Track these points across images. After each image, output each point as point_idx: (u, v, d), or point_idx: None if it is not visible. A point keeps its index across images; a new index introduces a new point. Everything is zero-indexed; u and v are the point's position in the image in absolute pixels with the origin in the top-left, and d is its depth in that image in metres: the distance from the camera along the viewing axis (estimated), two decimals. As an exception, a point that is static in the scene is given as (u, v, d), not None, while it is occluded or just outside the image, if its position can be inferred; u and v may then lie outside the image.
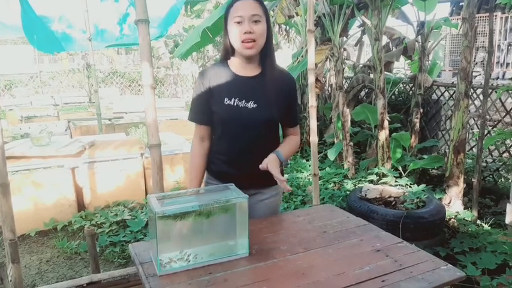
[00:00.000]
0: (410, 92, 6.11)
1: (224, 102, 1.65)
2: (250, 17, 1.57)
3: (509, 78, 9.41)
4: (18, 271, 2.17)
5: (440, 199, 3.72)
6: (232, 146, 1.71)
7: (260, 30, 1.59)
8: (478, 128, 4.12)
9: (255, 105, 1.65)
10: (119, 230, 3.53)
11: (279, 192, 1.88)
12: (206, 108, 1.70)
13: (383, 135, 4.33)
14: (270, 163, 1.58)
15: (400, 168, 4.36)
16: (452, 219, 3.51)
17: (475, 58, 9.40)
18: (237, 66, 1.69)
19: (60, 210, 3.73)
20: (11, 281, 2.17)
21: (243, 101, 1.65)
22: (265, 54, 1.67)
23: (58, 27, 5.52)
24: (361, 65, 6.50)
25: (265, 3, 1.63)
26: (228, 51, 1.70)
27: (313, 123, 2.83)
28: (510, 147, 4.60)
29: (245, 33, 1.57)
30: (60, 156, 3.86)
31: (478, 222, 3.57)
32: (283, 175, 1.68)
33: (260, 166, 1.58)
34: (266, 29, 1.62)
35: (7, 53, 14.57)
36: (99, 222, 3.61)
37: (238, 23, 1.58)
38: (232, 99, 1.65)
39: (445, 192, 3.82)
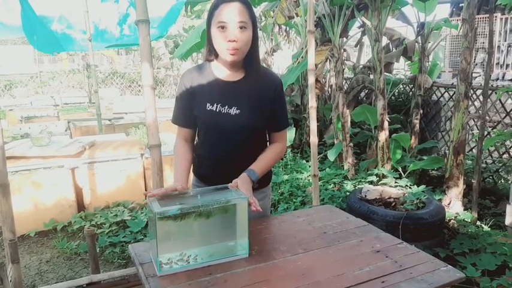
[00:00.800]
0: (410, 93, 6.11)
1: (206, 108, 1.59)
2: (235, 24, 1.46)
3: (509, 80, 9.42)
4: (18, 271, 2.17)
5: (440, 200, 3.72)
6: (215, 151, 1.66)
7: (245, 38, 1.49)
8: (478, 129, 4.12)
9: (238, 111, 1.58)
10: (119, 231, 3.53)
11: (267, 195, 1.82)
12: (188, 111, 1.64)
13: (383, 136, 4.33)
14: (240, 184, 1.49)
15: (400, 169, 4.36)
16: (452, 220, 3.51)
17: (474, 59, 9.42)
18: (220, 70, 1.61)
19: (60, 210, 3.73)
20: (10, 281, 2.17)
21: (226, 107, 1.58)
22: (250, 59, 1.58)
23: (58, 27, 5.51)
24: (361, 66, 6.51)
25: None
26: (211, 52, 1.61)
27: (313, 124, 2.83)
28: (510, 148, 4.60)
29: (229, 41, 1.47)
30: (60, 156, 3.86)
31: (478, 223, 3.57)
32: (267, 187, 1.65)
33: (229, 185, 1.48)
34: (252, 35, 1.52)
35: (7, 53, 14.58)
36: (99, 223, 3.61)
37: (222, 28, 1.47)
38: (215, 105, 1.58)
39: (445, 193, 3.82)
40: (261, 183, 1.64)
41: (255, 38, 1.55)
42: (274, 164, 1.72)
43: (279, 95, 1.68)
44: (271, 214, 1.99)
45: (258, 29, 7.11)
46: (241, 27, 1.47)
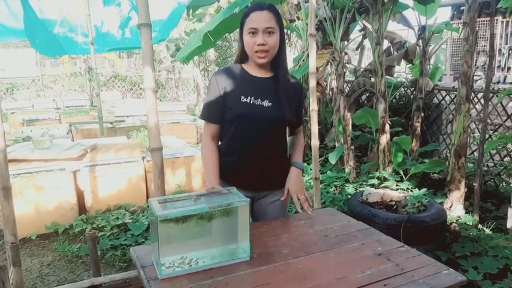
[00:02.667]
0: (412, 96, 6.11)
1: (241, 100, 1.72)
2: (264, 29, 1.65)
3: (510, 82, 9.43)
4: (19, 274, 2.17)
5: (441, 203, 3.72)
6: (244, 144, 1.76)
7: (273, 42, 1.67)
8: (479, 132, 4.12)
9: (270, 103, 1.73)
10: (120, 234, 3.53)
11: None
12: (220, 107, 1.75)
13: (384, 139, 4.33)
14: (294, 185, 1.83)
15: (401, 172, 4.36)
16: (453, 224, 3.51)
17: (475, 62, 9.42)
18: (251, 68, 1.78)
19: (62, 213, 3.73)
20: (12, 284, 2.17)
21: (259, 99, 1.72)
22: (278, 60, 1.75)
23: (60, 30, 5.54)
24: (362, 69, 6.52)
25: None
26: (243, 56, 1.79)
27: (314, 127, 2.84)
28: (511, 151, 4.59)
29: (258, 45, 1.65)
30: (62, 159, 3.86)
31: (480, 226, 3.56)
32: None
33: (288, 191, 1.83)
34: (279, 39, 1.70)
35: (9, 56, 14.62)
36: (100, 226, 3.61)
37: (253, 33, 1.66)
38: (249, 97, 1.72)
39: (446, 197, 3.82)
40: (283, 181, 1.84)
41: (282, 42, 1.74)
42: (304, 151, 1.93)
43: (301, 95, 1.90)
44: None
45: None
46: (269, 33, 1.66)
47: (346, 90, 5.93)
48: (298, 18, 5.70)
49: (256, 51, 1.67)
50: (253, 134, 1.74)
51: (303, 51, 5.69)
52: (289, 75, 1.82)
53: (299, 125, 1.96)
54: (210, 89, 1.77)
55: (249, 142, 1.75)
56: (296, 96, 1.83)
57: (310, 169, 5.00)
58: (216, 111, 1.77)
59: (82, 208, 3.91)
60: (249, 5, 1.78)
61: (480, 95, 4.87)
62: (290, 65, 6.34)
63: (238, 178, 1.76)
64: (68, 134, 6.57)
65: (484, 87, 4.01)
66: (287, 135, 1.95)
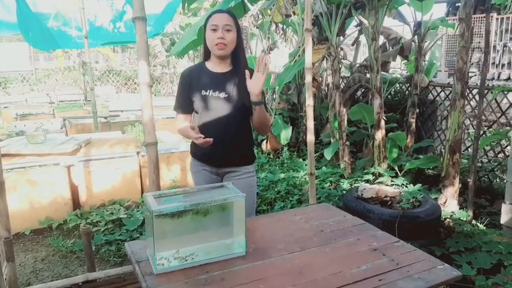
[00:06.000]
0: (407, 92, 6.12)
1: (201, 93, 2.05)
2: (223, 26, 1.96)
3: (505, 79, 9.47)
4: (13, 269, 2.16)
5: (436, 199, 3.74)
6: (210, 129, 2.01)
7: (231, 38, 1.99)
8: (474, 129, 4.14)
9: (226, 95, 2.04)
10: (115, 229, 3.52)
11: (251, 173, 2.20)
12: (186, 99, 2.10)
13: (379, 135, 4.34)
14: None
15: (396, 168, 4.37)
16: (447, 219, 3.53)
17: (470, 59, 9.45)
18: (212, 65, 2.09)
19: (56, 208, 3.71)
20: (5, 279, 2.16)
21: (216, 92, 2.04)
22: (236, 55, 2.07)
23: (54, 24, 5.48)
24: (357, 65, 6.51)
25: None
26: (206, 53, 2.10)
27: (310, 123, 2.83)
28: (505, 147, 4.62)
29: (218, 38, 1.96)
30: (56, 154, 3.84)
31: (473, 222, 3.59)
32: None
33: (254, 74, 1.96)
34: (236, 37, 2.02)
35: (2, 50, 14.46)
36: (94, 221, 3.59)
37: (214, 30, 1.97)
38: (208, 91, 2.04)
39: (441, 192, 3.83)
40: (244, 160, 2.16)
41: (239, 42, 2.05)
42: (267, 121, 2.10)
43: None
44: (269, 212, 2.05)
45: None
46: (227, 30, 1.98)
47: (342, 86, 5.93)
48: (294, 13, 5.68)
49: (216, 44, 1.96)
50: (214, 121, 2.04)
51: (299, 47, 5.68)
52: (248, 68, 2.06)
53: None
54: (179, 85, 2.14)
55: (212, 128, 2.03)
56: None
57: (306, 164, 5.00)
58: (183, 103, 2.12)
59: (76, 203, 3.89)
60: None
61: (475, 91, 4.88)
62: (285, 60, 6.33)
63: (205, 157, 2.12)
64: (61, 128, 6.52)
65: (478, 84, 4.02)
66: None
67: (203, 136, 1.87)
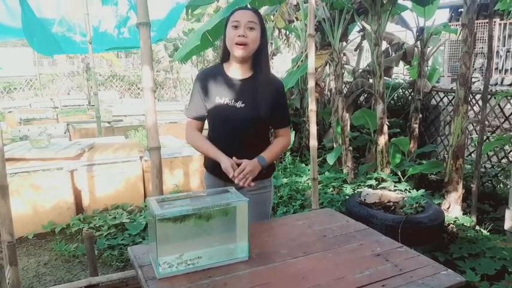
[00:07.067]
0: (410, 97, 6.12)
1: (215, 101, 1.83)
2: (246, 23, 1.74)
3: (508, 84, 9.45)
4: (15, 274, 2.16)
5: (439, 204, 3.72)
6: (221, 141, 1.83)
7: (253, 36, 1.76)
8: (477, 134, 4.13)
9: (243, 104, 1.81)
10: (117, 233, 3.52)
11: (267, 187, 1.96)
12: (200, 105, 1.88)
13: (382, 140, 4.34)
14: (247, 163, 1.72)
15: (399, 173, 4.36)
16: (451, 225, 3.51)
17: (473, 64, 9.44)
18: (231, 69, 1.86)
19: (59, 212, 3.72)
20: (8, 283, 2.16)
21: (232, 101, 1.82)
22: (258, 59, 1.83)
23: (58, 30, 5.52)
24: (360, 70, 6.52)
25: (265, 7, 1.80)
26: (225, 54, 1.86)
27: (312, 128, 2.83)
28: (509, 153, 4.61)
29: (239, 36, 1.73)
30: (59, 158, 3.85)
31: (477, 227, 3.57)
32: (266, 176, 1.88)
33: (235, 161, 1.72)
34: (260, 36, 1.79)
35: (7, 55, 14.56)
36: (97, 225, 3.59)
37: (235, 27, 1.75)
38: (223, 98, 1.82)
39: (444, 198, 3.82)
40: (261, 174, 1.80)
41: (263, 44, 1.82)
42: (280, 155, 1.93)
43: (282, 95, 1.93)
44: (272, 217, 2.01)
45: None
46: (250, 28, 1.75)
47: (345, 91, 5.94)
48: (297, 18, 5.70)
49: (236, 43, 1.74)
50: (229, 132, 1.84)
51: (302, 52, 5.69)
52: (270, 76, 1.89)
53: (282, 126, 1.95)
54: (193, 89, 1.92)
55: (226, 140, 1.83)
56: (276, 97, 1.87)
57: (308, 169, 5.00)
58: (197, 109, 1.89)
59: (79, 207, 3.90)
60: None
61: (478, 96, 4.88)
62: (288, 65, 6.35)
63: (219, 170, 1.77)
64: (65, 133, 6.55)
65: (481, 89, 4.01)
66: (273, 137, 1.99)
67: (240, 177, 1.68)
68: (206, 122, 1.97)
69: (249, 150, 1.80)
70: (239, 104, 1.81)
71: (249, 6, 1.74)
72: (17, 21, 4.83)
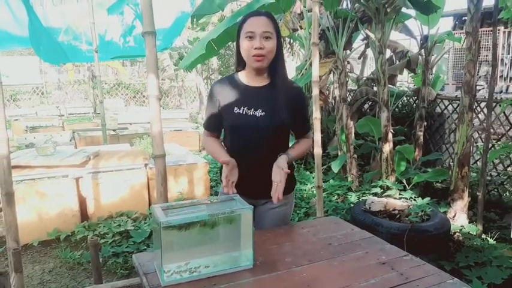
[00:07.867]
0: (414, 105, 6.11)
1: (234, 111, 1.74)
2: (261, 34, 1.65)
3: (513, 92, 9.42)
4: (20, 281, 2.16)
5: (445, 212, 3.70)
6: (241, 152, 1.75)
7: (270, 47, 1.67)
8: (483, 142, 4.11)
9: (263, 113, 1.73)
10: (122, 241, 3.52)
11: (288, 203, 1.89)
12: (217, 117, 1.81)
13: (387, 147, 4.33)
14: (278, 161, 1.69)
15: (404, 181, 4.34)
16: (457, 233, 3.49)
17: (478, 72, 9.43)
18: (247, 77, 1.78)
19: (64, 220, 3.73)
20: (13, 291, 2.17)
21: (252, 110, 1.73)
22: (275, 67, 1.74)
23: (64, 38, 5.59)
24: (364, 78, 6.53)
25: None
26: (240, 63, 1.79)
27: (317, 135, 2.83)
28: (515, 161, 4.58)
29: (255, 48, 1.65)
30: (65, 166, 3.87)
31: (483, 236, 3.54)
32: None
33: (273, 185, 1.66)
34: (276, 44, 1.69)
35: (13, 63, 14.71)
36: (102, 233, 3.60)
37: (250, 37, 1.66)
38: (242, 108, 1.74)
39: (450, 206, 3.80)
40: (284, 189, 1.68)
41: (279, 50, 1.73)
42: (304, 155, 1.89)
43: (302, 101, 1.86)
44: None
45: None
46: (266, 37, 1.66)
47: (349, 99, 5.94)
48: (301, 27, 5.73)
49: (253, 55, 1.66)
50: (248, 143, 1.76)
51: (306, 60, 5.71)
52: (288, 82, 1.81)
53: (304, 132, 1.92)
54: (208, 100, 1.84)
55: (245, 151, 1.76)
56: (295, 103, 1.80)
57: (313, 177, 4.99)
58: (214, 121, 1.84)
59: (84, 215, 3.91)
60: None
61: (483, 104, 4.86)
62: (292, 73, 6.37)
63: (237, 185, 1.67)
64: (71, 140, 6.59)
65: (486, 97, 4.00)
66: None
67: (232, 181, 1.64)
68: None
69: (268, 158, 1.72)
70: (259, 113, 1.73)
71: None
72: (24, 30, 4.89)
